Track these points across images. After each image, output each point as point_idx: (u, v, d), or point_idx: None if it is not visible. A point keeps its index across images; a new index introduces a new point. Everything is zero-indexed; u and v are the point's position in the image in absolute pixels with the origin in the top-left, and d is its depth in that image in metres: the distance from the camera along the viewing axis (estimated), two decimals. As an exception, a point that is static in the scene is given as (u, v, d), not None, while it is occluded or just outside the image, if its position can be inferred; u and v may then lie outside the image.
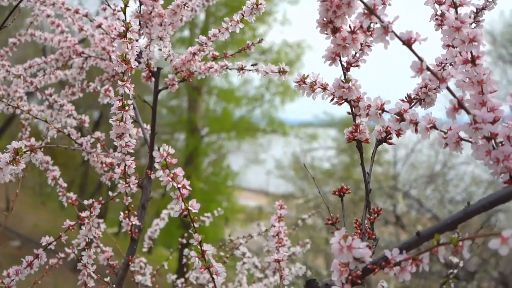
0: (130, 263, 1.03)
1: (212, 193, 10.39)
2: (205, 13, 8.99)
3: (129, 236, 1.05)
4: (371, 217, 0.67)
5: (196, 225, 1.33)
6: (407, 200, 6.56)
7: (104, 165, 1.06)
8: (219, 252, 1.41)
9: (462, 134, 0.57)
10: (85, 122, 1.12)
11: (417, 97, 0.71)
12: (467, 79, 0.57)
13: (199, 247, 0.68)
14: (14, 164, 0.70)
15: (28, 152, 0.68)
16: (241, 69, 0.97)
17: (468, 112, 0.53)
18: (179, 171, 0.66)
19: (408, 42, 0.53)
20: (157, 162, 0.64)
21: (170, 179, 0.65)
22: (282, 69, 0.90)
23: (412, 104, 0.72)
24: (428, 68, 0.53)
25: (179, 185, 0.65)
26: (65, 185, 1.14)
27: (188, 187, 0.66)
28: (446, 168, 7.35)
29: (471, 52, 0.56)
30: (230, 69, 1.00)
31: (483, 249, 6.23)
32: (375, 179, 7.66)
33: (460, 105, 0.54)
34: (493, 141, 0.55)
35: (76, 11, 1.15)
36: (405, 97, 0.72)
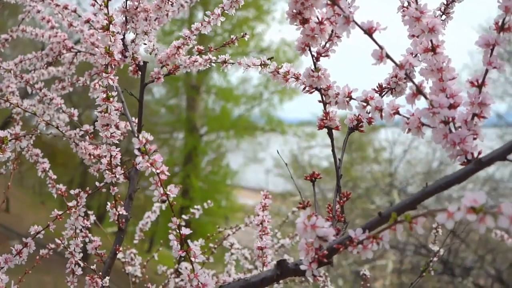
0: (117, 252, 1.06)
1: (211, 192, 10.42)
2: (203, 13, 8.99)
3: (118, 226, 1.08)
4: (341, 201, 0.70)
5: (185, 216, 1.34)
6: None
7: (92, 157, 1.08)
8: (207, 243, 1.44)
9: (424, 119, 0.60)
10: (74, 115, 1.15)
11: (388, 86, 0.74)
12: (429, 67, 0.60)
13: (178, 231, 0.71)
14: (0, 152, 0.72)
15: (13, 140, 0.71)
16: (224, 62, 1.00)
17: (426, 98, 0.56)
18: (158, 157, 0.68)
19: (369, 31, 0.55)
20: (136, 149, 0.67)
21: (149, 165, 0.68)
22: (263, 62, 0.93)
23: (383, 93, 0.75)
24: (387, 56, 0.55)
25: (158, 171, 0.68)
26: (54, 177, 1.17)
27: (167, 173, 0.69)
28: (443, 165, 7.39)
29: (431, 41, 0.59)
30: (214, 62, 1.03)
31: (479, 246, 6.27)
32: (373, 177, 7.70)
33: (418, 91, 0.56)
34: (452, 125, 0.58)
35: (65, 7, 1.18)
36: (377, 87, 0.75)
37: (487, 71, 0.57)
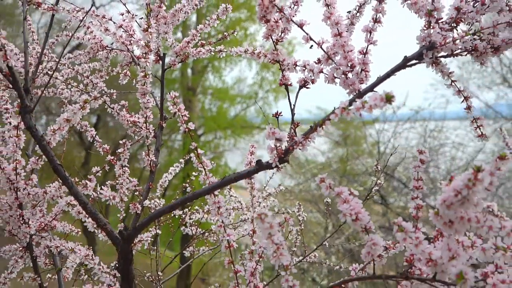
0: (150, 187, 1.50)
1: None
2: (196, 16, 9.45)
3: (150, 170, 1.51)
4: (294, 127, 1.14)
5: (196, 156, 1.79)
6: (394, 182, 7.07)
7: (128, 122, 1.53)
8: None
9: (335, 74, 1.04)
10: (113, 95, 1.60)
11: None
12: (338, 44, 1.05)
13: (196, 152, 1.15)
14: (83, 109, 1.17)
15: (93, 100, 1.15)
16: (220, 51, 1.45)
17: (332, 60, 1.01)
18: (182, 106, 1.13)
19: (301, 26, 1.00)
20: (169, 101, 1.11)
21: (177, 111, 1.12)
22: (246, 50, 1.37)
23: (322, 64, 1.19)
24: (311, 38, 1.00)
25: (183, 114, 1.12)
26: (100, 140, 1.61)
27: (187, 115, 1.13)
28: (432, 151, 7.89)
29: (337, 29, 1.03)
30: (213, 52, 1.48)
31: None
32: (368, 171, 8.19)
33: (329, 57, 1.01)
34: (350, 75, 1.02)
35: (103, 16, 1.62)
36: (317, 59, 1.19)
37: (368, 46, 1.02)
